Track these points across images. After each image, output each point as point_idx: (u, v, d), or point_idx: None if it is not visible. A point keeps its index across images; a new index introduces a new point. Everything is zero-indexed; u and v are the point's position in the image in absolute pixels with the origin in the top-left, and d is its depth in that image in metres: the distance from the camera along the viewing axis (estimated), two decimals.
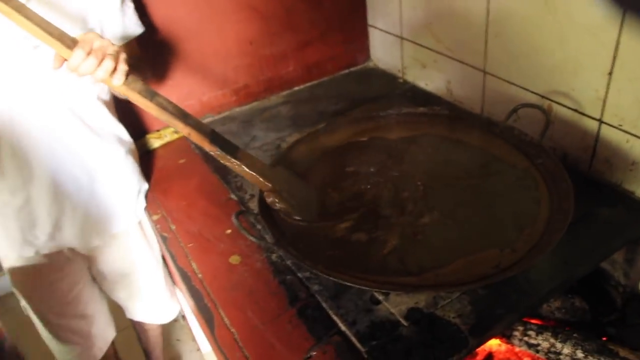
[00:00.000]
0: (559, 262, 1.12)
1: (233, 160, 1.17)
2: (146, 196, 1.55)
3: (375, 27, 2.09)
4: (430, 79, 1.91)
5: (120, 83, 1.01)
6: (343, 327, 1.04)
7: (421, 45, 1.86)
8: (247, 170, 1.18)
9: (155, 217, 1.47)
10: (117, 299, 1.71)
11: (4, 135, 1.24)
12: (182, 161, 1.69)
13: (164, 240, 1.39)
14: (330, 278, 1.03)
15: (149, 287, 1.68)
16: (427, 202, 1.25)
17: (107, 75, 0.99)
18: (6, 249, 1.39)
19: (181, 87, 1.79)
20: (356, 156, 1.44)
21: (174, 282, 1.75)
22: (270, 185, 1.21)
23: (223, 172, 1.59)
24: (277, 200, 1.21)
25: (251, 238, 1.06)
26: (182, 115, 1.10)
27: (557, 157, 1.29)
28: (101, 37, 1.01)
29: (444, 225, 1.18)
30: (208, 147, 1.13)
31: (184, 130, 1.10)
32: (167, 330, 2.40)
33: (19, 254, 1.39)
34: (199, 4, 1.70)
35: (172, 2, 1.64)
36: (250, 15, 1.82)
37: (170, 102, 1.09)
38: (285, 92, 2.04)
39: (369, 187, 1.33)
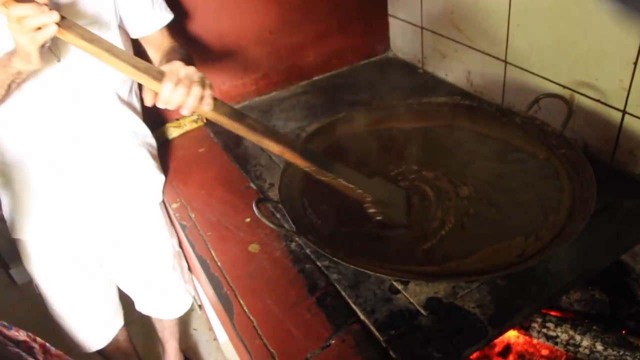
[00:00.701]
0: (579, 254, 1.11)
1: (329, 174, 1.15)
2: (164, 187, 1.57)
3: (396, 17, 2.08)
4: (450, 69, 1.89)
5: (210, 108, 1.02)
6: (362, 316, 1.05)
7: (441, 35, 1.84)
8: (345, 183, 1.16)
9: (174, 206, 1.49)
10: (125, 290, 1.72)
11: (25, 133, 1.26)
12: (201, 150, 1.70)
13: (183, 228, 1.40)
14: (351, 266, 1.03)
15: (158, 281, 1.68)
16: (450, 192, 1.26)
17: (197, 102, 0.99)
18: (22, 230, 1.42)
19: None
20: (375, 146, 1.44)
21: (191, 270, 1.76)
22: (370, 197, 1.18)
23: (242, 161, 1.59)
24: (378, 211, 1.19)
25: (271, 225, 1.07)
26: (273, 134, 1.10)
27: (579, 148, 1.28)
28: (185, 65, 1.02)
29: (467, 215, 1.19)
30: (302, 163, 1.13)
31: (276, 148, 1.10)
32: (184, 320, 2.42)
33: (34, 236, 1.42)
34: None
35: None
36: (270, 4, 1.82)
37: (260, 122, 1.09)
38: (304, 82, 2.04)
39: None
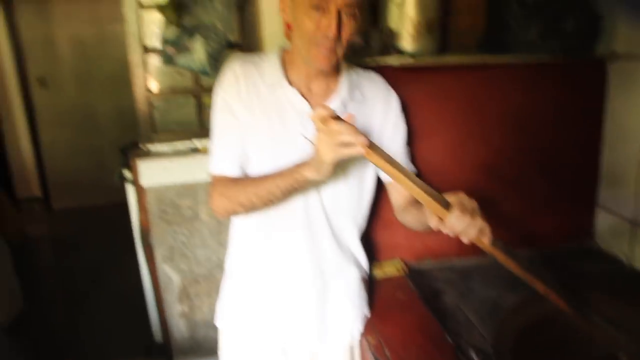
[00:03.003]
0: None
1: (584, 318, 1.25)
2: (364, 322, 1.65)
3: (604, 207, 2.08)
4: None
5: (490, 242, 1.16)
6: None
7: None
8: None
9: (371, 340, 1.55)
10: None
11: (264, 239, 1.47)
12: (400, 296, 1.77)
13: None
14: None
15: None
16: None
17: (478, 233, 1.14)
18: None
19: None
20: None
21: None
22: None
23: (441, 315, 1.63)
24: None
25: None
26: (541, 279, 1.23)
27: None
28: (470, 199, 1.17)
29: None
30: (566, 309, 1.25)
31: (541, 288, 1.23)
32: None
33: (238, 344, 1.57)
34: (445, 159, 1.91)
35: (427, 152, 1.86)
36: (485, 173, 1.95)
37: (529, 263, 1.22)
38: None
39: None
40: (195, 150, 2.61)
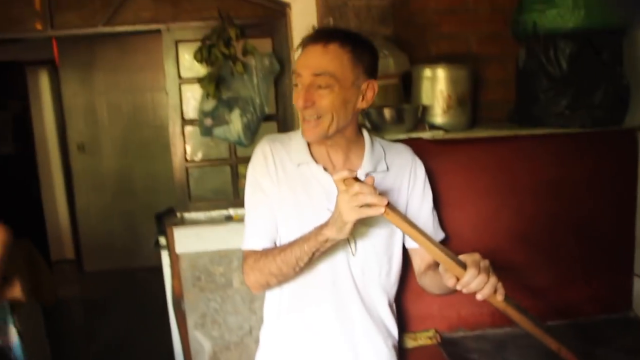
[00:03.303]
0: None
1: None
2: None
3: None
4: None
5: (502, 298, 1.19)
6: None
7: None
8: None
9: None
10: None
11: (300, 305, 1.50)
12: None
13: None
14: None
15: None
16: None
17: (493, 291, 1.17)
18: None
19: (441, 298, 1.92)
20: None
21: None
22: None
23: None
24: None
25: None
26: (550, 335, 1.25)
27: None
28: (483, 259, 1.20)
29: None
30: None
31: (553, 345, 1.24)
32: None
33: None
34: (478, 228, 1.93)
35: (460, 221, 1.89)
36: (518, 241, 1.96)
37: (539, 321, 1.25)
38: None
39: None
40: (229, 218, 2.67)
